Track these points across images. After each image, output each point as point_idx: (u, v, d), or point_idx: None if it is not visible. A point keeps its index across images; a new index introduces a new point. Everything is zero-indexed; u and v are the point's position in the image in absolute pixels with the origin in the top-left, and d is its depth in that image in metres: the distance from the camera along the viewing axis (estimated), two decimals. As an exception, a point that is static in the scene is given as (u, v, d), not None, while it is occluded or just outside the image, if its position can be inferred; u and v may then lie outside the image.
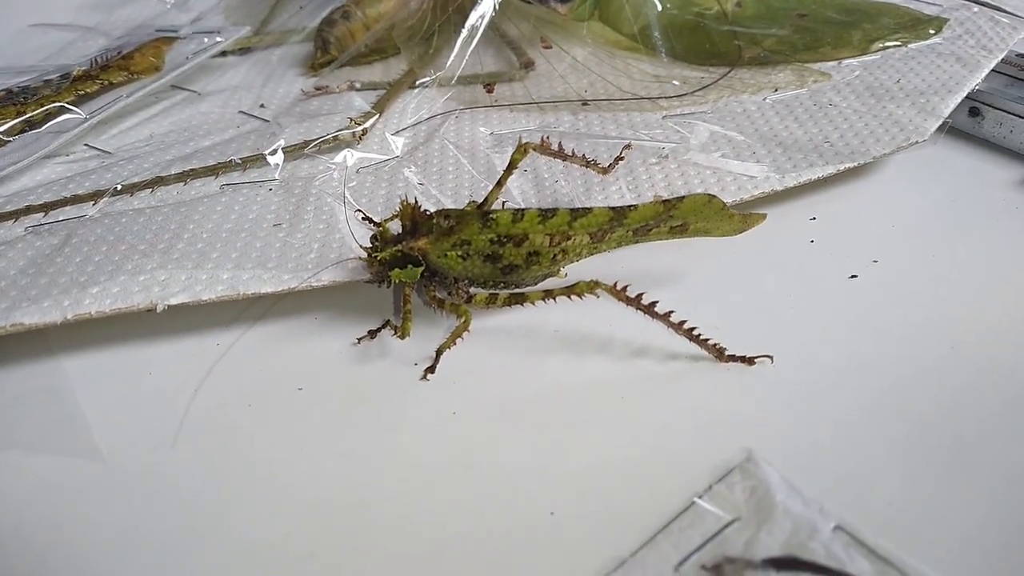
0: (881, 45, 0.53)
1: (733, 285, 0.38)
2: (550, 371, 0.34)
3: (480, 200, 0.37)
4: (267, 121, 0.48)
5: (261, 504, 0.29)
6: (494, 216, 0.33)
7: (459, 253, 0.34)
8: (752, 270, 0.39)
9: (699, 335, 0.33)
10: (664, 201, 0.33)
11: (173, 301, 0.34)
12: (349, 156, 0.44)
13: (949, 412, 0.31)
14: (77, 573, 0.28)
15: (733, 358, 0.33)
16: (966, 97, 0.47)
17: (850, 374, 0.33)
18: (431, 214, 0.34)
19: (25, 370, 0.35)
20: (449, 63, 0.51)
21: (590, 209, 0.33)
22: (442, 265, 0.34)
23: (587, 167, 0.39)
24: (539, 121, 0.48)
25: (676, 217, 0.34)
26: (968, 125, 0.48)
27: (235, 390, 0.33)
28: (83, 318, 0.34)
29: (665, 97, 0.50)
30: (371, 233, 0.35)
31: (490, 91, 0.50)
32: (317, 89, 0.51)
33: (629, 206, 0.34)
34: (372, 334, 0.35)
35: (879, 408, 0.31)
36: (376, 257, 0.34)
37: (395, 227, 0.35)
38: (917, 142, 0.43)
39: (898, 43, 0.53)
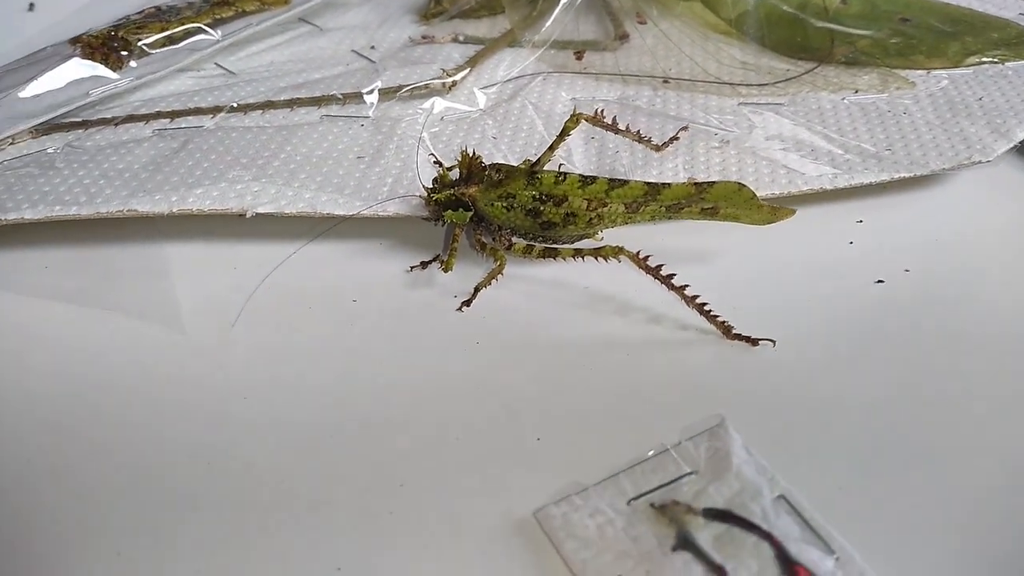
0: (977, 60, 0.52)
1: (761, 271, 0.40)
2: (569, 321, 0.38)
3: (542, 152, 0.40)
4: (373, 62, 0.53)
5: (301, 387, 0.35)
6: (539, 176, 0.37)
7: (504, 204, 0.38)
8: (784, 260, 0.41)
9: (710, 311, 0.36)
10: (696, 183, 0.36)
11: (260, 210, 0.40)
12: (437, 103, 0.48)
13: (925, 426, 0.33)
14: (150, 418, 0.34)
15: (739, 337, 0.36)
16: (1054, 124, 0.47)
17: (843, 371, 0.36)
18: (485, 166, 0.38)
19: (135, 250, 0.41)
20: (547, 26, 0.54)
21: (627, 181, 0.37)
22: (488, 213, 0.38)
23: (639, 142, 0.42)
24: (620, 92, 0.51)
25: (707, 200, 0.37)
26: (1053, 152, 0.48)
27: (300, 292, 0.39)
28: (186, 213, 0.40)
29: (746, 84, 0.51)
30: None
31: (579, 58, 0.53)
32: (423, 38, 0.55)
33: (664, 184, 0.37)
34: (423, 265, 0.40)
35: (859, 408, 0.34)
36: (433, 197, 0.38)
37: (456, 174, 0.40)
38: (980, 162, 0.44)
39: (995, 60, 0.52)
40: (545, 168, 0.39)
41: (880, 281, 0.40)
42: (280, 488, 0.31)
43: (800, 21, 0.56)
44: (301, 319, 0.38)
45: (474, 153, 0.38)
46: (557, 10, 0.54)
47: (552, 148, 0.40)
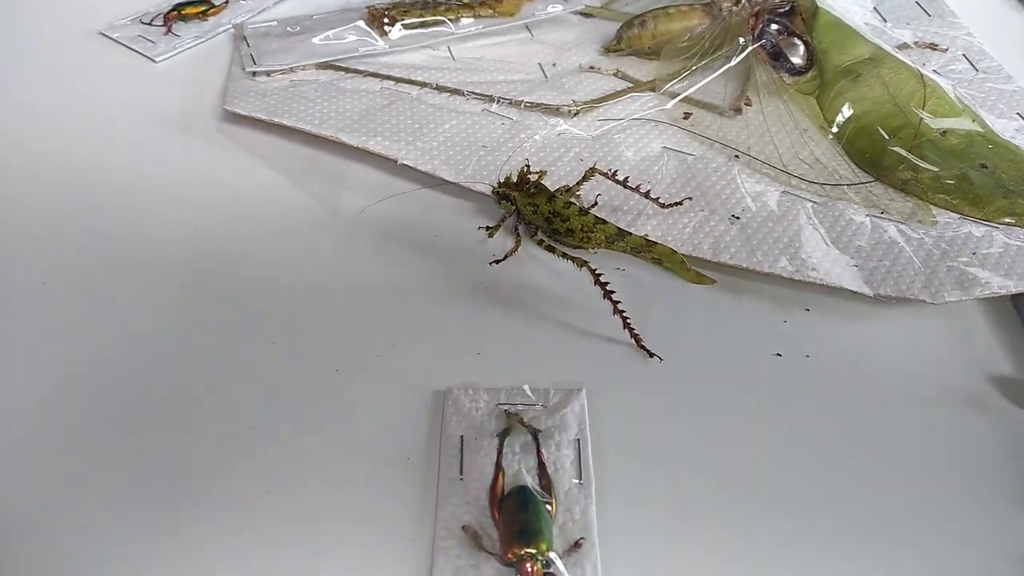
0: (1011, 221, 0.60)
1: (695, 311, 0.55)
2: (544, 291, 0.56)
3: (572, 184, 0.59)
4: (546, 78, 0.72)
5: (381, 266, 0.58)
6: (556, 199, 0.56)
7: (531, 209, 0.57)
8: (722, 313, 0.56)
9: (630, 323, 0.53)
10: (647, 239, 0.53)
11: (405, 161, 0.63)
12: (562, 123, 0.67)
13: (714, 448, 0.48)
14: (290, 247, 0.59)
15: (643, 348, 0.53)
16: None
17: (685, 393, 0.50)
18: (529, 180, 0.58)
19: (332, 159, 0.66)
20: (684, 83, 0.70)
21: (607, 222, 0.55)
22: (522, 210, 0.58)
23: (646, 198, 0.59)
24: (702, 153, 0.66)
25: (654, 252, 0.54)
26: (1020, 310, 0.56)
27: (406, 216, 0.61)
28: (366, 148, 0.64)
29: (800, 178, 0.64)
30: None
31: (686, 118, 0.69)
32: (591, 68, 0.74)
33: (629, 232, 0.54)
34: (487, 228, 0.61)
35: (677, 418, 0.49)
36: (494, 189, 0.59)
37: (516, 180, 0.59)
38: (924, 301, 0.55)
39: (1024, 227, 0.60)
40: (570, 197, 0.58)
41: (779, 355, 0.54)
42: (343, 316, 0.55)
43: (882, 140, 0.66)
44: (399, 230, 0.60)
45: (526, 170, 0.58)
46: (693, 72, 0.70)
47: (579, 184, 0.58)
